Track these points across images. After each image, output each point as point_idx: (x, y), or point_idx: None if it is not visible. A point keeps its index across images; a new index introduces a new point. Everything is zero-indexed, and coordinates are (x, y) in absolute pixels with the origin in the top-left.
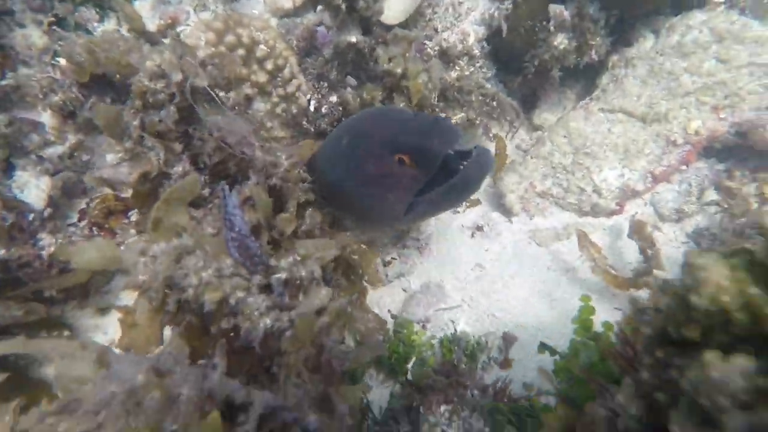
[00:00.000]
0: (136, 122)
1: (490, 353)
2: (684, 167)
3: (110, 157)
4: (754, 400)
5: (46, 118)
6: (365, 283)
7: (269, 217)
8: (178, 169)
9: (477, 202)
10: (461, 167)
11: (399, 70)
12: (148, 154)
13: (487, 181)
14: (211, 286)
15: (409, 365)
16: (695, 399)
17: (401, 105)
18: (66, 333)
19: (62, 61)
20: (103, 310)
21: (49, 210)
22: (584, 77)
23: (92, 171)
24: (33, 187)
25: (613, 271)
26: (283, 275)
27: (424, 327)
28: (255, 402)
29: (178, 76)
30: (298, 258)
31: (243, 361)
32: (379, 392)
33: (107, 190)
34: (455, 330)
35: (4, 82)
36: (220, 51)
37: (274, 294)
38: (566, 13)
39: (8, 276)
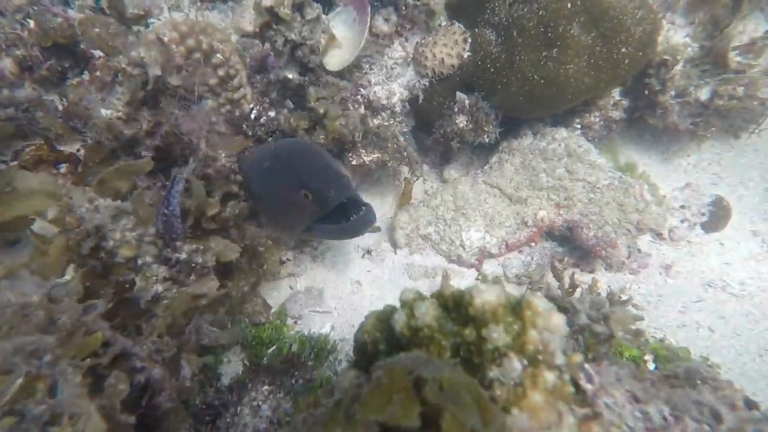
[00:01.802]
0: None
1: (338, 356)
2: (533, 243)
3: (103, 112)
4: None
5: (8, 63)
6: (263, 273)
7: (201, 205)
8: (148, 143)
9: (377, 229)
10: (352, 217)
11: (322, 110)
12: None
13: (390, 212)
14: (129, 244)
15: (269, 350)
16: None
17: (321, 137)
18: None
19: (32, 23)
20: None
21: None
22: (487, 151)
23: (94, 116)
24: None
25: None
26: (182, 256)
27: (296, 322)
28: (116, 343)
29: (156, 71)
30: (201, 248)
31: (122, 310)
32: (236, 367)
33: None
34: (317, 331)
35: None
36: (195, 58)
37: (174, 269)
38: (467, 101)
39: None
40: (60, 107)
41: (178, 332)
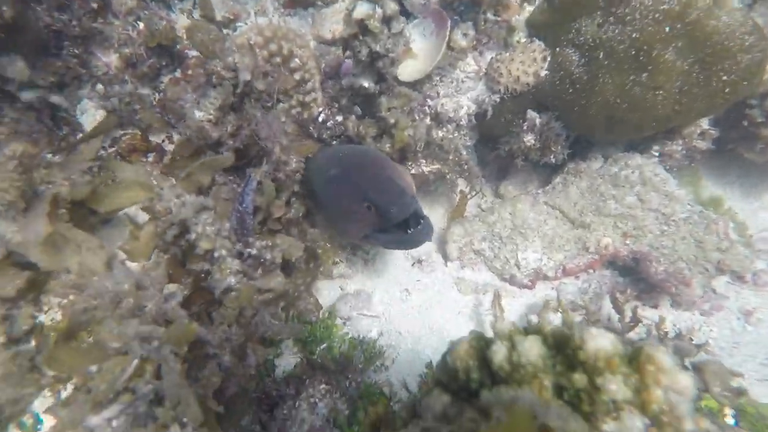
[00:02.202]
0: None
1: (384, 361)
2: (591, 270)
3: (197, 114)
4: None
5: (114, 59)
6: (318, 273)
7: (270, 203)
8: (231, 142)
9: (428, 239)
10: (410, 230)
11: (392, 120)
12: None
13: (442, 223)
14: (208, 238)
15: (320, 348)
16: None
17: (387, 146)
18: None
19: (141, 25)
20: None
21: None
22: (550, 170)
23: (188, 117)
24: (90, 115)
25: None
26: (253, 251)
27: (344, 323)
28: (195, 326)
29: (246, 76)
30: (270, 244)
31: (199, 298)
32: (288, 359)
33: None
34: (364, 335)
35: (95, 24)
36: (275, 62)
37: (245, 263)
38: (538, 120)
39: None
40: (154, 101)
41: (245, 323)
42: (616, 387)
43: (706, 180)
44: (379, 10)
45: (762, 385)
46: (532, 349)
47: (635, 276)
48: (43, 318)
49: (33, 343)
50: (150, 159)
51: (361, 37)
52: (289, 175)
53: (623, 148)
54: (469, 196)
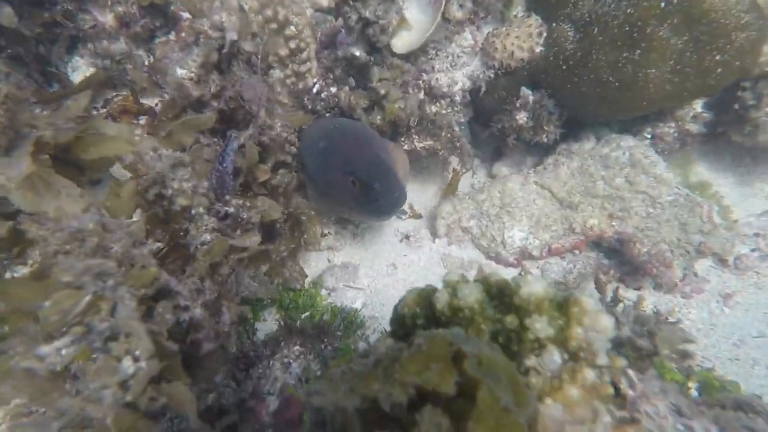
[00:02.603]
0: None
1: (365, 331)
2: (577, 251)
3: (180, 72)
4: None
5: (110, 18)
6: (303, 242)
7: (252, 165)
8: (215, 104)
9: (419, 216)
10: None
11: (383, 91)
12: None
13: (433, 201)
14: (185, 194)
15: (302, 316)
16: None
17: (378, 118)
18: None
19: None
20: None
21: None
22: (543, 152)
23: (169, 74)
24: (81, 72)
25: None
26: (231, 210)
27: (329, 294)
28: (161, 278)
29: (233, 36)
30: (248, 204)
31: (175, 254)
32: (271, 326)
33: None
34: (349, 305)
35: None
36: (270, 28)
37: (223, 222)
38: (531, 98)
39: None
40: (147, 63)
41: (220, 281)
42: (540, 326)
43: (700, 165)
44: None
45: (733, 364)
46: (471, 295)
47: (620, 258)
48: (26, 271)
49: None
50: (141, 122)
51: (351, 3)
52: (273, 139)
53: (616, 130)
54: (461, 174)
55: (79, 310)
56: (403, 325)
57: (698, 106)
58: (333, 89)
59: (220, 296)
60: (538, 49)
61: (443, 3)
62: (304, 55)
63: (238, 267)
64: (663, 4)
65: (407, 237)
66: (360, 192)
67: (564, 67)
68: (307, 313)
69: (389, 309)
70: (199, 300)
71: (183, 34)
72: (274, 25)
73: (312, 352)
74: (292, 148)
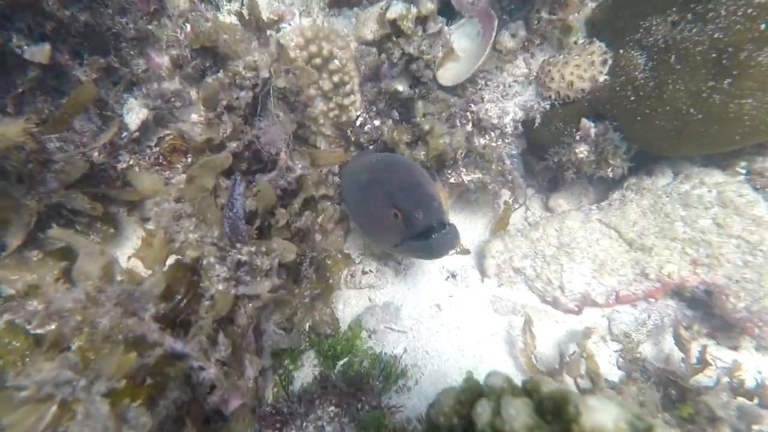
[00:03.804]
0: (224, 102)
1: (407, 381)
2: (652, 299)
3: (193, 116)
4: None
5: (165, 60)
6: (329, 285)
7: (268, 207)
8: (233, 145)
9: (467, 252)
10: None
11: (427, 127)
12: (219, 126)
13: (483, 236)
14: (192, 246)
15: (340, 363)
16: None
17: (422, 153)
18: (111, 230)
19: (188, 27)
20: (144, 221)
21: (137, 133)
22: (609, 184)
23: (177, 121)
24: (135, 113)
25: (534, 359)
26: (243, 257)
27: (369, 336)
28: (164, 343)
29: (265, 74)
30: (263, 249)
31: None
32: (308, 372)
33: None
34: (389, 350)
35: (150, 27)
36: (302, 62)
37: (239, 270)
38: (593, 130)
39: (92, 173)
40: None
41: (240, 332)
42: None
43: None
44: (414, 10)
45: None
46: (519, 417)
47: (707, 310)
48: None
49: None
50: (190, 160)
51: (394, 39)
52: (290, 182)
53: (700, 163)
54: (513, 208)
55: (46, 423)
56: None
57: None
58: (377, 122)
59: (239, 349)
60: (601, 79)
61: (494, 33)
62: (348, 88)
63: (258, 316)
64: (764, 26)
65: (453, 275)
66: (405, 225)
67: (633, 98)
68: (346, 359)
69: (432, 355)
70: (213, 357)
71: (221, 76)
72: (318, 60)
73: (347, 414)
74: (323, 187)
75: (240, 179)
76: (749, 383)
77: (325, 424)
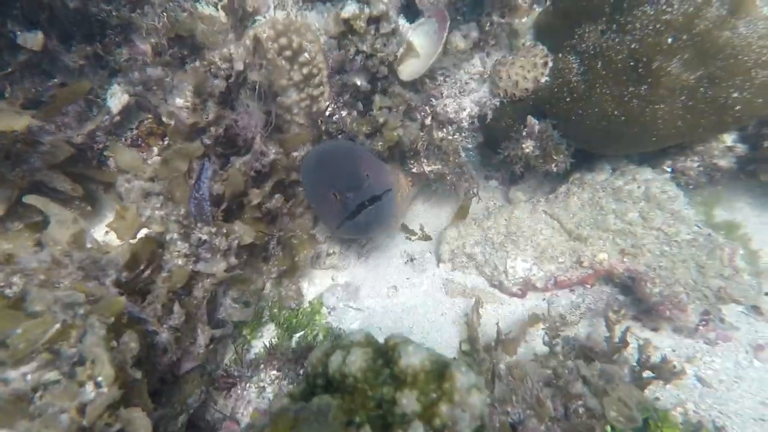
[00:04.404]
0: (209, 89)
1: None
2: (587, 285)
3: (178, 101)
4: None
5: (147, 48)
6: (295, 263)
7: (236, 192)
8: (213, 130)
9: (428, 238)
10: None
11: (381, 120)
12: (203, 112)
13: (445, 222)
14: (157, 221)
15: (297, 335)
16: None
17: (379, 144)
18: (88, 207)
19: (164, 16)
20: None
21: (118, 117)
22: (562, 178)
23: (166, 104)
24: (117, 98)
25: (477, 333)
26: (204, 236)
27: (329, 313)
28: (125, 306)
29: (240, 66)
30: (224, 231)
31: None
32: (267, 342)
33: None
34: (347, 326)
35: (133, 14)
36: (273, 53)
37: (201, 248)
38: (537, 127)
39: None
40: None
41: (195, 304)
42: (406, 401)
43: (734, 203)
44: (366, 10)
45: (756, 424)
46: (357, 362)
47: (637, 295)
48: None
49: None
50: (166, 142)
51: (350, 36)
52: (265, 165)
53: (637, 161)
54: (468, 199)
55: (48, 338)
56: (308, 383)
57: (729, 139)
58: (344, 113)
59: (193, 319)
60: (543, 80)
61: (446, 32)
62: (317, 80)
63: (215, 291)
64: (670, 40)
65: (412, 260)
66: (341, 205)
67: (568, 99)
68: (302, 333)
69: (384, 333)
70: (167, 324)
71: (197, 64)
72: (288, 52)
73: (287, 377)
74: (293, 173)
75: (209, 164)
76: (655, 358)
77: (266, 385)
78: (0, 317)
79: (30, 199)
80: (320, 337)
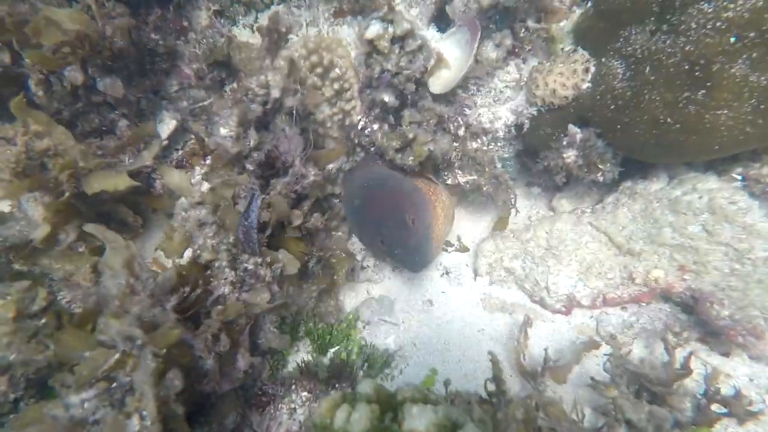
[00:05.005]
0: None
1: (392, 371)
2: (642, 303)
3: (223, 131)
4: None
5: (190, 72)
6: (334, 281)
7: (281, 217)
8: (255, 156)
9: (466, 249)
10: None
11: (411, 135)
12: (245, 140)
13: (483, 232)
14: (209, 250)
15: (331, 350)
16: None
17: (410, 159)
18: (141, 230)
19: (204, 44)
20: (169, 216)
21: (166, 141)
22: (609, 185)
23: (213, 135)
24: (165, 124)
25: (522, 358)
26: (249, 266)
27: (364, 327)
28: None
29: (276, 93)
30: (269, 260)
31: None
32: (303, 357)
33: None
34: (381, 341)
35: (179, 42)
36: (305, 71)
37: (244, 275)
38: (578, 136)
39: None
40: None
41: (238, 329)
42: None
43: None
44: (390, 30)
45: None
46: (360, 421)
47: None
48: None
49: (44, 320)
50: (209, 161)
51: (374, 56)
52: (305, 187)
53: (702, 168)
54: (506, 212)
55: (108, 366)
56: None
57: None
58: (375, 126)
59: (236, 345)
60: (584, 86)
61: (477, 43)
62: (348, 94)
63: (257, 317)
64: (733, 39)
65: (448, 272)
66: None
67: (612, 107)
68: (336, 348)
69: (419, 348)
70: (213, 351)
71: (235, 86)
72: (320, 69)
73: (318, 398)
74: (328, 186)
75: (258, 192)
76: (727, 391)
77: (297, 407)
78: (70, 338)
79: (89, 228)
80: (354, 352)
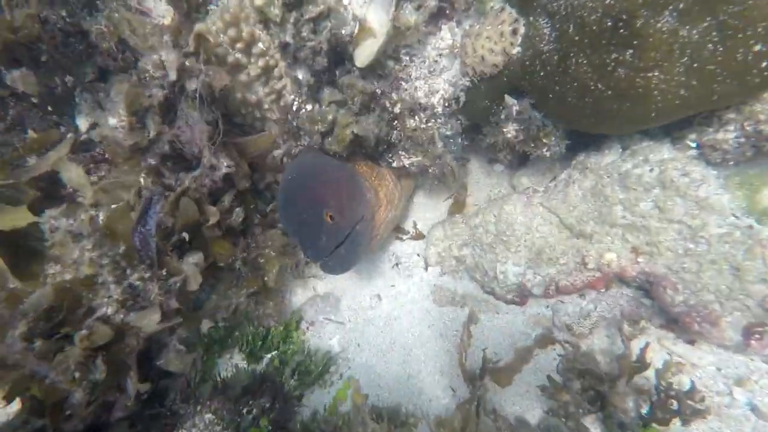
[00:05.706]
0: (146, 103)
1: (332, 376)
2: (602, 289)
3: (112, 121)
4: None
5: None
6: (264, 281)
7: (189, 222)
8: (158, 148)
9: (422, 236)
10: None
11: (330, 117)
12: (142, 130)
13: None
14: (85, 264)
15: (266, 357)
16: None
17: (333, 146)
18: None
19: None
20: None
21: (86, 135)
22: (568, 159)
23: (100, 127)
24: (83, 117)
25: (464, 358)
26: (135, 282)
27: (308, 328)
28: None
29: (173, 76)
30: (164, 273)
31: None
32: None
33: None
34: (326, 341)
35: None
36: (225, 48)
37: (130, 292)
38: (515, 108)
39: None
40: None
41: (128, 351)
42: None
43: None
44: None
45: None
46: None
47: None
48: None
49: None
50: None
51: (272, 28)
52: (215, 181)
53: (660, 135)
54: (450, 196)
55: None
56: None
57: None
58: (309, 106)
59: (123, 369)
60: (514, 51)
61: (393, 5)
62: (276, 71)
63: (163, 334)
64: None
65: (398, 264)
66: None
67: (542, 74)
68: (271, 354)
69: (364, 349)
70: (84, 381)
71: (134, 76)
72: (240, 45)
73: (224, 421)
74: (269, 174)
75: (159, 195)
76: (682, 386)
77: (212, 416)
78: None
79: None
80: (296, 358)
